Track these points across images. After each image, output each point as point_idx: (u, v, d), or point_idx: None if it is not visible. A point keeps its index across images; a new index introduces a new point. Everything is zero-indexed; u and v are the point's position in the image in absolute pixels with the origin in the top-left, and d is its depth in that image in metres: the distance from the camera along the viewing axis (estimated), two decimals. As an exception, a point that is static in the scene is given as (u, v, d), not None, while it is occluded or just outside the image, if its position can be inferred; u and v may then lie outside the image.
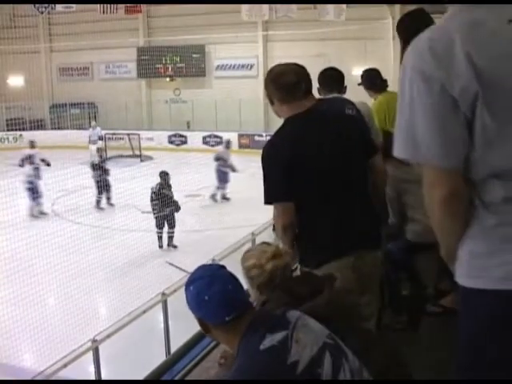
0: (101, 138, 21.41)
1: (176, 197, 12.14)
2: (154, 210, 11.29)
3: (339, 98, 3.30)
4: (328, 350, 1.67)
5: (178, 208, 11.28)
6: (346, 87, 3.43)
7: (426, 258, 3.72)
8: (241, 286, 1.78)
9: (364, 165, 2.58)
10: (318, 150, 2.44)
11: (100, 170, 13.99)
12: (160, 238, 11.28)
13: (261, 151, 2.54)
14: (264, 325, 1.70)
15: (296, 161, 2.41)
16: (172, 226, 11.31)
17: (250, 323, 1.71)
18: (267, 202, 2.50)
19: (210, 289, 1.70)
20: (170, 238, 11.32)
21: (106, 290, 8.79)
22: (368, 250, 2.53)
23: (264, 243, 2.29)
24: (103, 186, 13.93)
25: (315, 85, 2.85)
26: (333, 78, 3.32)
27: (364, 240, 2.50)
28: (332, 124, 2.54)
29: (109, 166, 14.93)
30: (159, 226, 11.27)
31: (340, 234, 2.47)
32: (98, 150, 16.64)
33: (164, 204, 11.14)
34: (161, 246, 11.27)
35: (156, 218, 11.22)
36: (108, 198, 14.29)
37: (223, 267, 1.85)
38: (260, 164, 2.51)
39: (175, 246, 11.21)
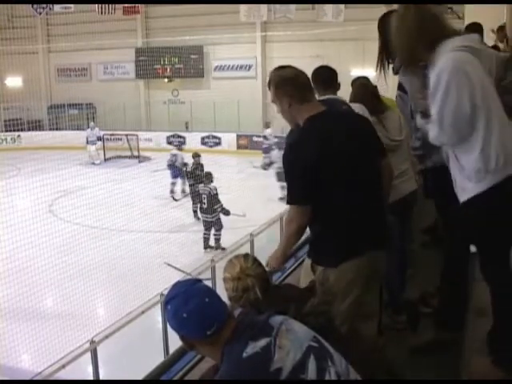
0: (99, 139, 21.44)
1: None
2: (208, 212, 11.27)
3: (339, 100, 3.30)
4: (312, 354, 1.66)
5: (226, 212, 11.24)
6: (339, 84, 3.42)
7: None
8: (218, 297, 1.76)
9: (378, 164, 2.59)
10: (341, 149, 2.43)
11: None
12: (206, 239, 11.33)
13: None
14: (247, 332, 1.69)
15: (321, 160, 2.39)
16: (220, 228, 11.31)
17: (232, 332, 1.69)
18: (290, 202, 2.51)
19: (186, 305, 1.68)
20: (217, 239, 11.31)
21: (104, 291, 8.78)
22: (378, 249, 2.54)
23: (243, 256, 2.21)
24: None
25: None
26: (326, 75, 3.31)
27: (376, 239, 2.51)
28: (350, 123, 2.57)
29: (108, 166, 14.73)
30: (207, 228, 11.34)
31: (356, 234, 2.46)
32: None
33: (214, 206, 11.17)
34: (206, 248, 11.25)
35: (208, 220, 11.27)
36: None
37: (199, 281, 1.82)
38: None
39: (224, 248, 10.75)
